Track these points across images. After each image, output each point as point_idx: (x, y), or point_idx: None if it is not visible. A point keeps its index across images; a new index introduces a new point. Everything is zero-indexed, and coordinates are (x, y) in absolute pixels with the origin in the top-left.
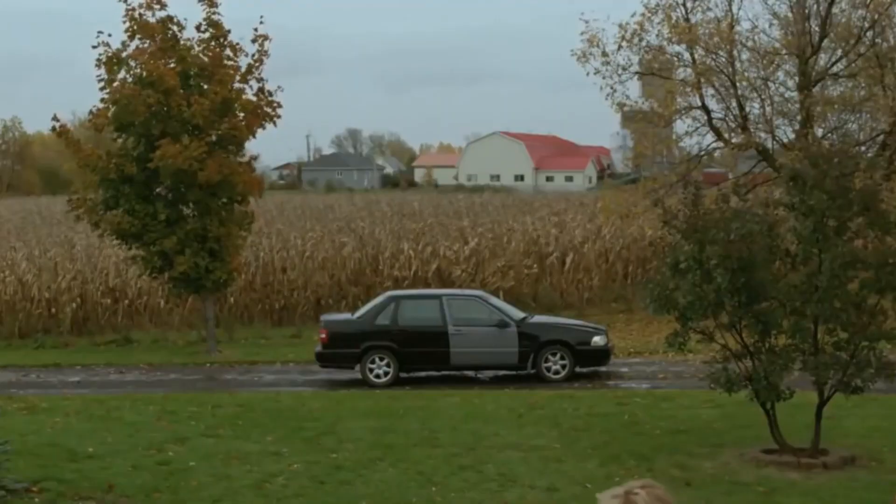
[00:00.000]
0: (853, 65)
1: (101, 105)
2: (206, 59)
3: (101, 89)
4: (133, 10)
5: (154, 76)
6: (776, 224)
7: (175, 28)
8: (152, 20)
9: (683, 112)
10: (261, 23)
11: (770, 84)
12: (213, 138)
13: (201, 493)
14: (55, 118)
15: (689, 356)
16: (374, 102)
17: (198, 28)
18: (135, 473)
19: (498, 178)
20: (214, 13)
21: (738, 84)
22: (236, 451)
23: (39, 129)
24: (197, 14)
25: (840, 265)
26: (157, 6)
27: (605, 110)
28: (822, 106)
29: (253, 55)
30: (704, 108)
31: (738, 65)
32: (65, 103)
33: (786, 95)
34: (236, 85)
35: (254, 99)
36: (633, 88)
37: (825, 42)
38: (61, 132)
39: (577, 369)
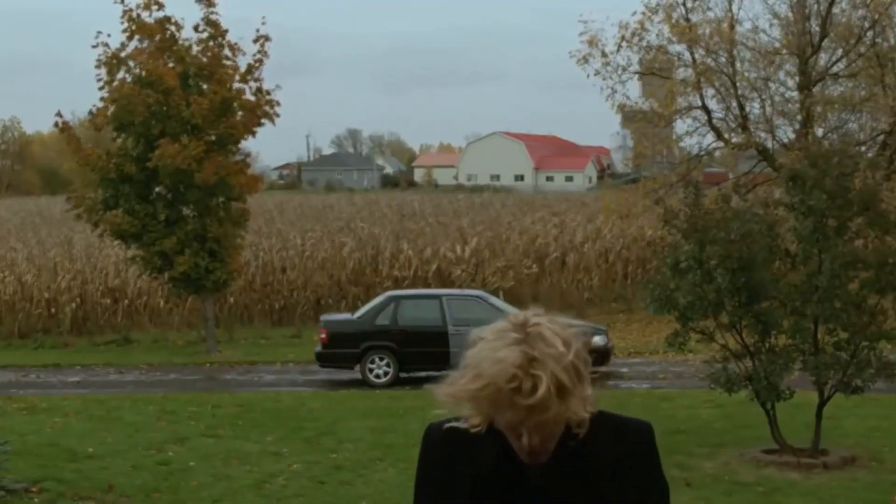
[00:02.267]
0: (853, 64)
1: (100, 105)
2: (204, 59)
3: (101, 89)
4: (130, 10)
5: (153, 76)
6: (776, 224)
7: (173, 28)
8: (150, 20)
9: (683, 112)
10: (263, 23)
11: (770, 84)
12: (213, 138)
13: (201, 493)
14: (58, 114)
15: (689, 356)
16: (374, 102)
17: (196, 28)
18: (134, 473)
19: (498, 178)
20: (213, 13)
21: (738, 84)
22: (236, 451)
23: (39, 129)
24: (195, 14)
25: (840, 265)
26: (156, 7)
27: (605, 110)
28: (823, 106)
29: (254, 55)
30: (704, 108)
31: (738, 65)
32: (63, 103)
33: (786, 95)
34: (235, 85)
35: (252, 98)
36: (634, 88)
37: (825, 42)
38: (64, 128)
39: None
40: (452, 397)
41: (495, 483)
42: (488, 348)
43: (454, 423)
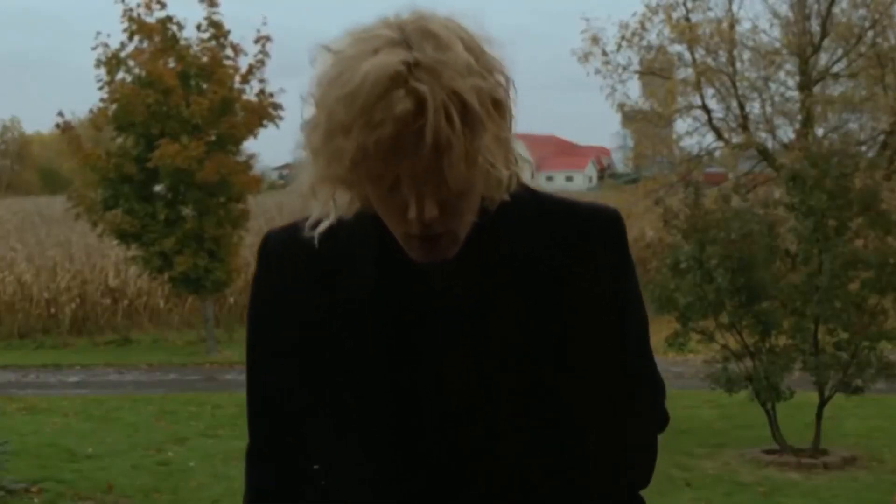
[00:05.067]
0: (853, 64)
1: (100, 105)
2: (204, 59)
3: (100, 89)
4: (131, 10)
5: (153, 76)
6: (776, 224)
7: (175, 28)
8: (151, 20)
9: (683, 112)
10: (264, 24)
11: (770, 84)
12: (213, 138)
13: (201, 493)
14: (60, 114)
15: (689, 356)
16: None
17: (198, 27)
18: (134, 474)
19: None
20: (216, 13)
21: (738, 84)
22: (236, 451)
23: (38, 129)
24: (197, 13)
25: (840, 265)
26: (157, 5)
27: (605, 110)
28: (823, 106)
29: (255, 55)
30: (705, 107)
31: (738, 65)
32: (63, 103)
33: (786, 95)
34: (237, 85)
35: (255, 100)
36: (634, 88)
37: (826, 41)
38: (65, 129)
39: None
40: (313, 187)
41: (375, 299)
42: (344, 66)
43: (304, 222)
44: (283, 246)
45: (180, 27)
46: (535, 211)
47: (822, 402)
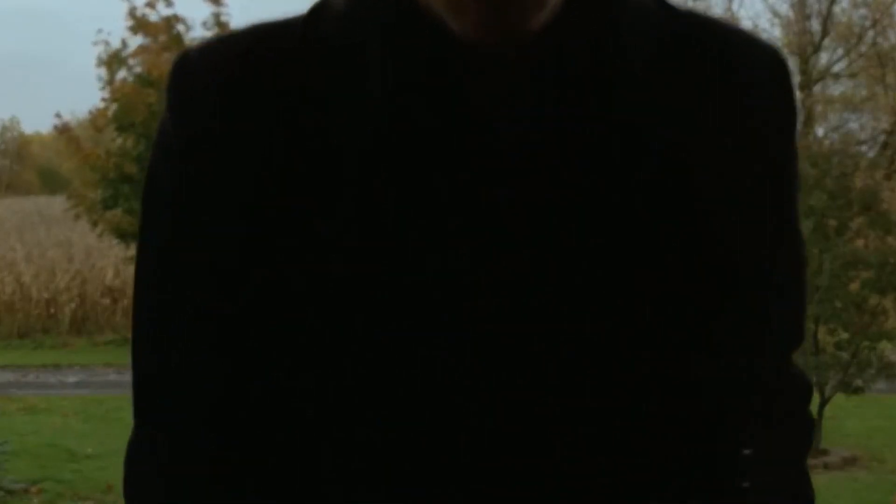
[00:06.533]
0: (854, 64)
1: (100, 105)
2: None
3: (101, 89)
4: (135, 9)
5: (154, 75)
6: None
7: (181, 28)
8: (155, 19)
9: None
10: None
11: None
12: None
13: None
14: (58, 115)
15: None
16: None
17: (204, 25)
18: None
19: None
20: (223, 13)
21: None
22: None
23: (38, 129)
24: (203, 12)
25: (841, 265)
26: (163, 3)
27: None
28: (823, 105)
29: None
30: None
31: None
32: (61, 102)
33: None
34: None
35: None
36: None
37: (826, 41)
38: (63, 130)
39: None
40: None
41: (382, 142)
42: None
43: (247, 31)
44: (214, 68)
45: (187, 27)
46: (666, 24)
47: (823, 402)
